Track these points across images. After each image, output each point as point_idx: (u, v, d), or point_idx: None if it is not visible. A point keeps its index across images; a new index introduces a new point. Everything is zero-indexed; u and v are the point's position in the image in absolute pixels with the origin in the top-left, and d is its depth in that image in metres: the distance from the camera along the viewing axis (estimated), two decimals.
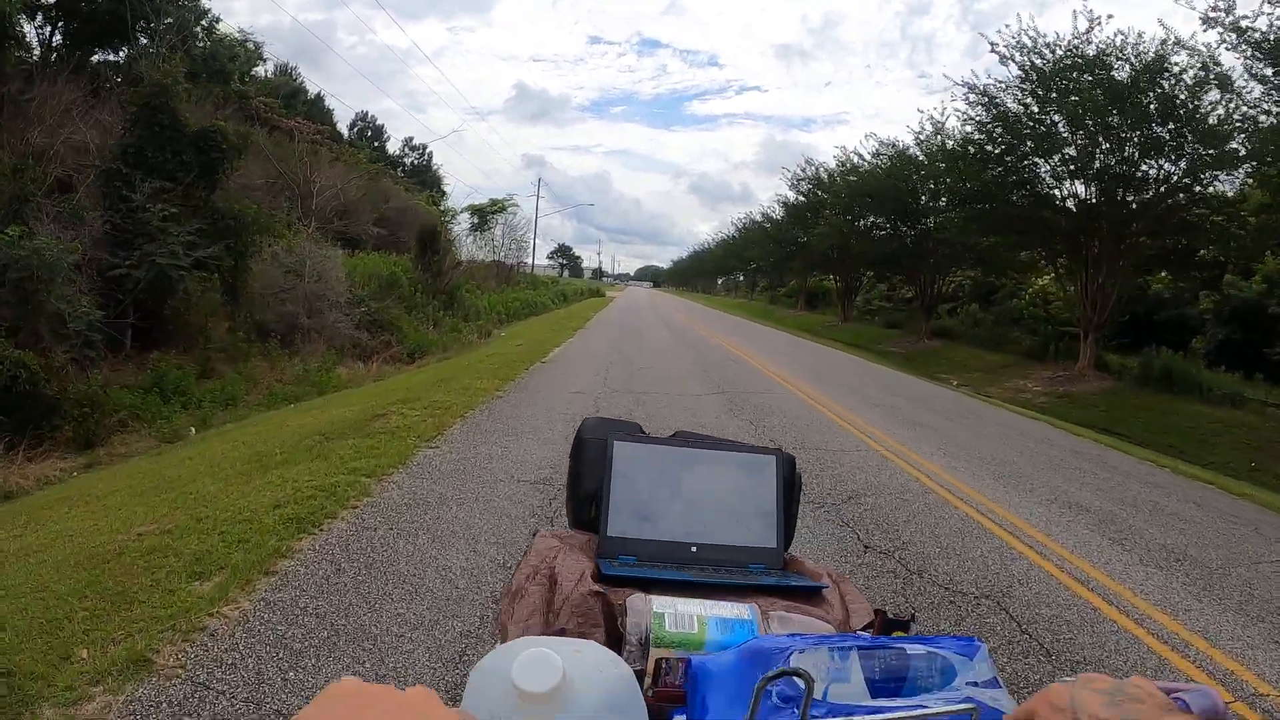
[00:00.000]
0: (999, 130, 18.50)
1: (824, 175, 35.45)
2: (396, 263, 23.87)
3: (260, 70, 44.22)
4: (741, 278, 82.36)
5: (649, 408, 7.39)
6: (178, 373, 10.81)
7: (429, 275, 23.51)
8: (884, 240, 27.10)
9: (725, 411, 7.75)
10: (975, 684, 0.75)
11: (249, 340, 14.18)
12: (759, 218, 51.51)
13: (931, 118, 25.31)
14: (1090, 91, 17.81)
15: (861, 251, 28.05)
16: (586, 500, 1.26)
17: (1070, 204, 19.50)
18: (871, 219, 27.79)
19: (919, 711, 0.70)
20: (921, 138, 25.31)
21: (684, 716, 0.78)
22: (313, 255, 15.53)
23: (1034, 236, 20.22)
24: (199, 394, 10.90)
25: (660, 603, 0.91)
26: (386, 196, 37.73)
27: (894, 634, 0.94)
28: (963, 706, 0.70)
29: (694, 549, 1.17)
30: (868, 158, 27.21)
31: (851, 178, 28.44)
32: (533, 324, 23.70)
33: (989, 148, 19.20)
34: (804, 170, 37.23)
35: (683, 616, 0.89)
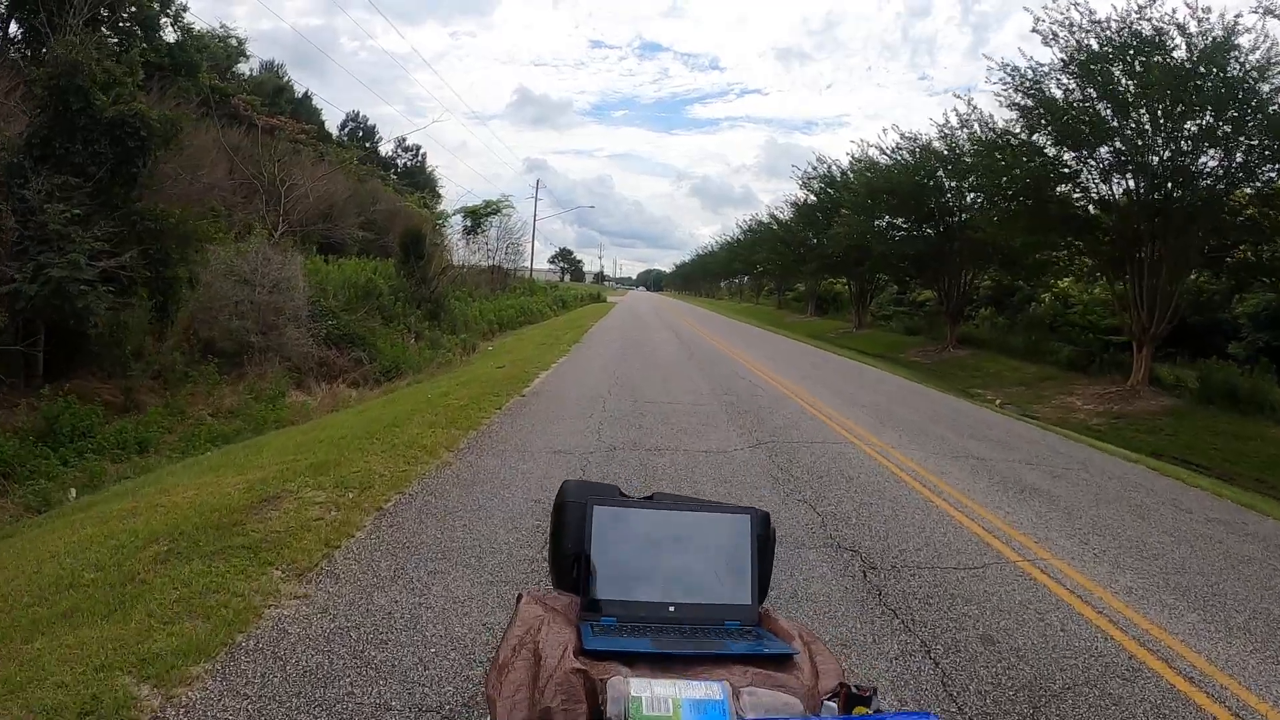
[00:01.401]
0: (1044, 117, 16.47)
1: (837, 173, 33.47)
2: (377, 269, 21.92)
3: (245, 68, 42.51)
4: (746, 280, 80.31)
5: (663, 476, 5.36)
6: (76, 411, 8.82)
7: (413, 282, 21.55)
8: (905, 241, 25.05)
9: (771, 481, 5.63)
10: None
11: (194, 363, 12.22)
12: (766, 219, 49.52)
13: (956, 110, 23.31)
14: (1145, 76, 15.83)
15: (883, 253, 25.98)
16: (568, 562, 1.29)
17: (1120, 200, 17.55)
18: (889, 218, 25.71)
19: None
20: (946, 130, 23.35)
21: None
22: (268, 262, 13.55)
23: (1081, 236, 18.17)
24: (105, 436, 8.91)
25: (637, 685, 0.95)
26: (375, 199, 35.87)
27: (855, 709, 0.99)
28: None
29: (672, 609, 1.22)
30: (888, 152, 25.16)
31: (869, 174, 26.40)
32: (525, 336, 21.67)
33: (1032, 137, 17.16)
34: (815, 169, 35.28)
35: (658, 700, 0.93)
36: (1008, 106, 16.89)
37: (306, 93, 47.87)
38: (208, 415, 10.45)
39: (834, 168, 33.93)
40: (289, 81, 46.75)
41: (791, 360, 16.26)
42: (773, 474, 5.83)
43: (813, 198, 36.50)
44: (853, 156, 31.81)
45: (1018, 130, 17.36)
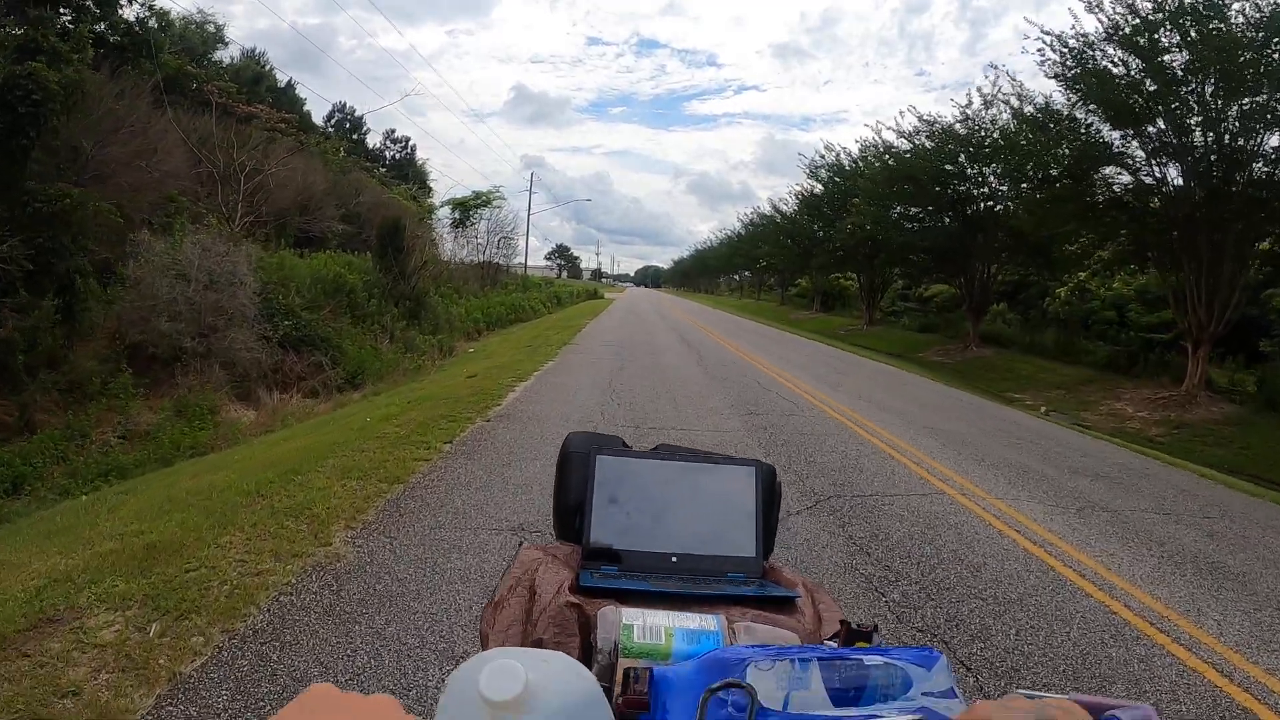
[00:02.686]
0: (1092, 89, 14.57)
1: (846, 162, 31.59)
2: (352, 263, 20.05)
3: (224, 56, 40.66)
4: (745, 275, 78.44)
5: None
6: None
7: (390, 278, 19.68)
8: (925, 231, 23.15)
9: (864, 585, 3.71)
10: (931, 694, 0.76)
11: (117, 373, 10.36)
12: (770, 211, 47.62)
13: (980, 90, 21.39)
14: (1198, 45, 14.01)
15: (903, 244, 24.06)
16: (570, 512, 1.27)
17: (1173, 184, 15.76)
18: (909, 208, 23.81)
19: None
20: (968, 112, 21.48)
21: None
22: (207, 253, 11.69)
23: (1130, 225, 16.32)
24: None
25: (629, 614, 0.93)
26: (358, 191, 34.01)
27: (856, 644, 0.95)
28: (913, 717, 0.71)
29: (674, 559, 1.18)
30: (907, 135, 23.25)
31: (886, 158, 24.50)
32: (513, 336, 19.79)
33: (1077, 111, 15.29)
34: (823, 157, 33.39)
35: (650, 628, 0.91)
36: (1051, 77, 15.03)
37: (290, 82, 45.91)
38: (115, 439, 8.61)
39: (843, 155, 32.07)
40: (271, 70, 44.64)
41: (814, 364, 14.43)
42: (855, 562, 3.97)
43: (819, 188, 34.62)
44: (864, 143, 29.96)
45: (1059, 106, 15.49)
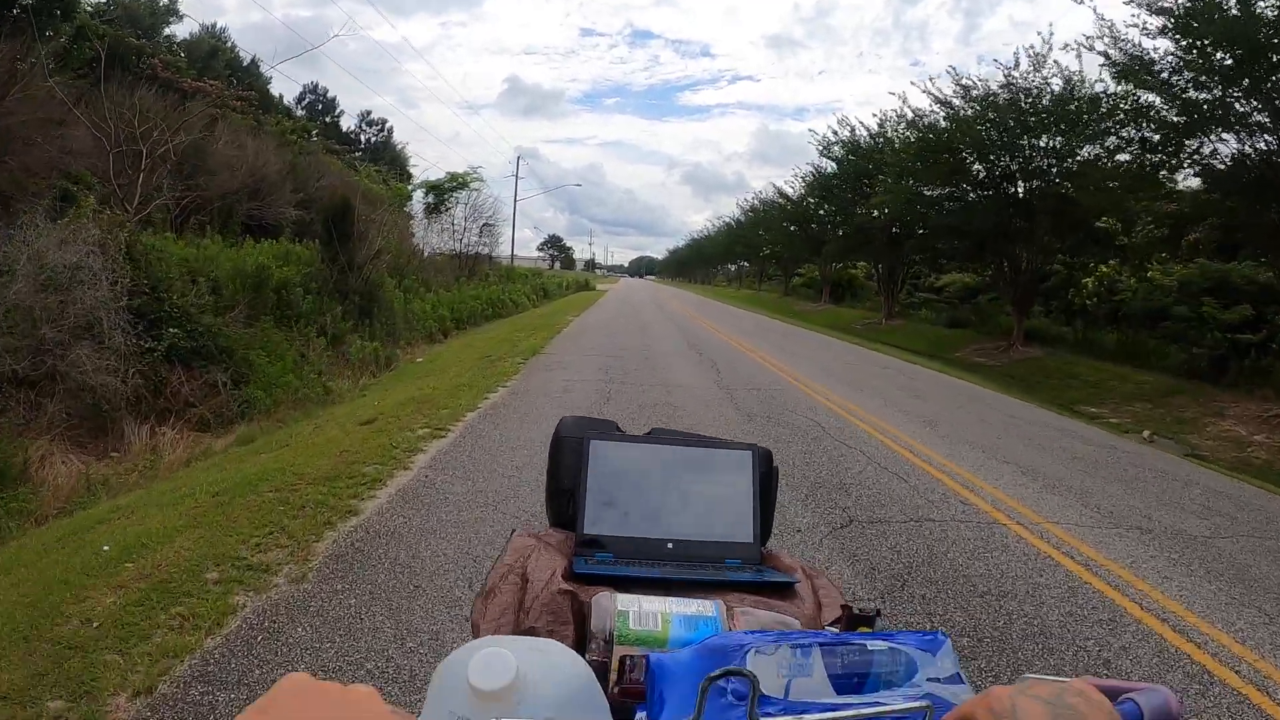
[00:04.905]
0: (1217, 24, 11.38)
1: (864, 137, 28.39)
2: (290, 253, 16.85)
3: (181, 31, 37.40)
4: (743, 265, 75.17)
5: None
6: None
7: (336, 269, 16.49)
8: (963, 212, 19.95)
9: None
10: (937, 680, 0.73)
11: None
12: (774, 195, 44.36)
13: (1031, 49, 18.16)
14: None
15: (944, 227, 20.80)
16: (564, 498, 1.23)
17: None
18: (948, 185, 20.61)
19: (874, 709, 0.68)
20: (1014, 75, 18.30)
21: (645, 713, 0.75)
22: (38, 241, 8.52)
23: (1238, 202, 13.22)
24: None
25: (625, 600, 0.90)
26: (321, 174, 30.72)
27: (859, 629, 0.93)
28: (918, 704, 0.68)
29: (670, 545, 1.15)
30: (944, 100, 20.03)
31: (918, 131, 21.29)
32: (480, 337, 16.54)
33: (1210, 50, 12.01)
34: (836, 134, 30.15)
35: (646, 614, 0.88)
36: (1155, 12, 11.85)
37: (254, 60, 42.24)
38: None
39: (859, 130, 28.85)
40: (233, 47, 41.15)
41: (867, 377, 11.31)
42: None
43: (831, 166, 31.39)
44: (882, 116, 26.76)
45: (1162, 55, 12.34)
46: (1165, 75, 12.37)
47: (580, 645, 0.87)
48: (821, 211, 34.84)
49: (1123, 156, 16.06)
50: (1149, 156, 13.69)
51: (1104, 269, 20.78)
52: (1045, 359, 18.97)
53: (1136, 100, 13.94)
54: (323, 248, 17.24)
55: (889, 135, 25.98)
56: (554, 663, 0.64)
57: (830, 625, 0.98)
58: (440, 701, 0.58)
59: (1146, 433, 11.57)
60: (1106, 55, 13.27)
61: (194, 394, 10.28)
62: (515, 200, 45.75)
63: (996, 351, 20.51)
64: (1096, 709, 0.51)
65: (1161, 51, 12.44)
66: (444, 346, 16.16)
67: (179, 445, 9.00)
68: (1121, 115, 14.18)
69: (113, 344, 9.32)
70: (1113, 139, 15.00)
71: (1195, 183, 15.02)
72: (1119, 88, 14.04)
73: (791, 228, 39.76)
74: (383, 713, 0.49)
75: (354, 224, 17.30)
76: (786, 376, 10.26)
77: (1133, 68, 13.13)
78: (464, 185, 28.55)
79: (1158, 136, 13.39)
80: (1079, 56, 16.27)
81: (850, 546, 4.04)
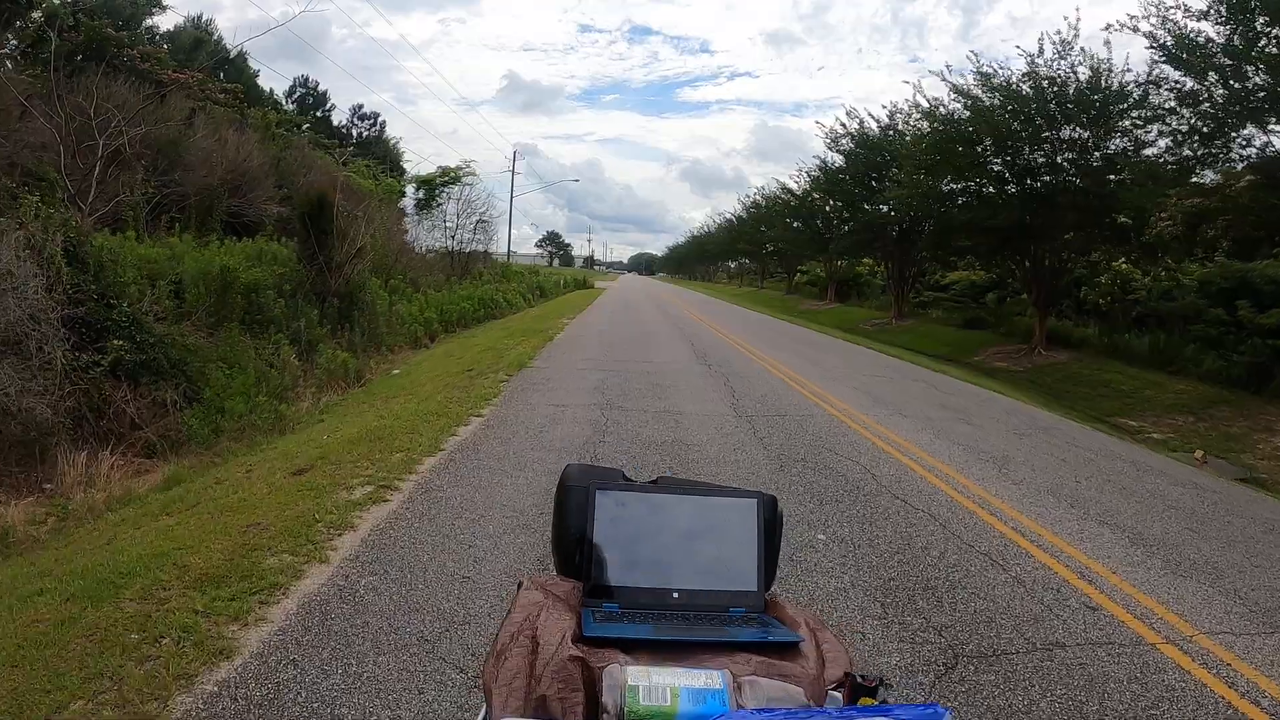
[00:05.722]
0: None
1: (875, 129, 27.21)
2: (264, 252, 15.72)
3: (164, 23, 36.24)
4: (745, 262, 74.00)
5: None
6: None
7: (314, 269, 15.36)
8: (986, 207, 18.78)
9: None
10: None
11: None
12: (778, 190, 43.16)
13: (1057, 34, 17.00)
14: None
15: (965, 222, 19.57)
16: (571, 547, 1.22)
17: None
18: (967, 180, 19.44)
19: None
20: (1038, 64, 17.15)
21: None
22: None
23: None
24: None
25: (634, 674, 0.92)
26: (308, 169, 29.57)
27: (860, 701, 0.94)
28: None
29: (675, 595, 1.16)
30: (965, 90, 18.85)
31: (935, 123, 20.11)
32: (467, 343, 15.37)
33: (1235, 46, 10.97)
34: (844, 126, 28.96)
35: (656, 689, 0.90)
36: None
37: (240, 52, 40.96)
38: None
39: (870, 122, 27.66)
40: (219, 39, 39.92)
41: (888, 391, 10.15)
42: None
43: (840, 160, 30.20)
44: (893, 108, 25.61)
45: (1220, 34, 11.20)
46: (1220, 59, 11.24)
47: (592, 712, 0.90)
48: (828, 207, 33.71)
49: (1149, 151, 15.01)
50: (1191, 149, 12.55)
51: (1123, 266, 19.66)
52: (1071, 364, 17.85)
53: (1180, 88, 12.79)
54: (300, 246, 16.10)
55: (900, 128, 24.85)
56: None
57: (833, 687, 0.98)
58: None
59: (1199, 453, 10.45)
60: (1152, 37, 12.12)
61: (141, 414, 9.13)
62: (511, 196, 44.60)
63: (1018, 355, 19.39)
64: None
65: (1215, 34, 11.32)
66: (427, 353, 15.03)
67: (116, 476, 7.88)
68: (1163, 104, 13.02)
69: (44, 359, 8.20)
70: (1151, 129, 13.84)
71: (1210, 176, 14.02)
72: (1160, 73, 12.91)
73: (796, 224, 38.62)
74: None
75: (334, 220, 16.13)
76: (813, 398, 9.07)
77: (1179, 53, 12.00)
78: (456, 180, 27.38)
79: (1205, 128, 12.24)
80: (1107, 44, 15.20)
81: (966, 714, 2.77)
